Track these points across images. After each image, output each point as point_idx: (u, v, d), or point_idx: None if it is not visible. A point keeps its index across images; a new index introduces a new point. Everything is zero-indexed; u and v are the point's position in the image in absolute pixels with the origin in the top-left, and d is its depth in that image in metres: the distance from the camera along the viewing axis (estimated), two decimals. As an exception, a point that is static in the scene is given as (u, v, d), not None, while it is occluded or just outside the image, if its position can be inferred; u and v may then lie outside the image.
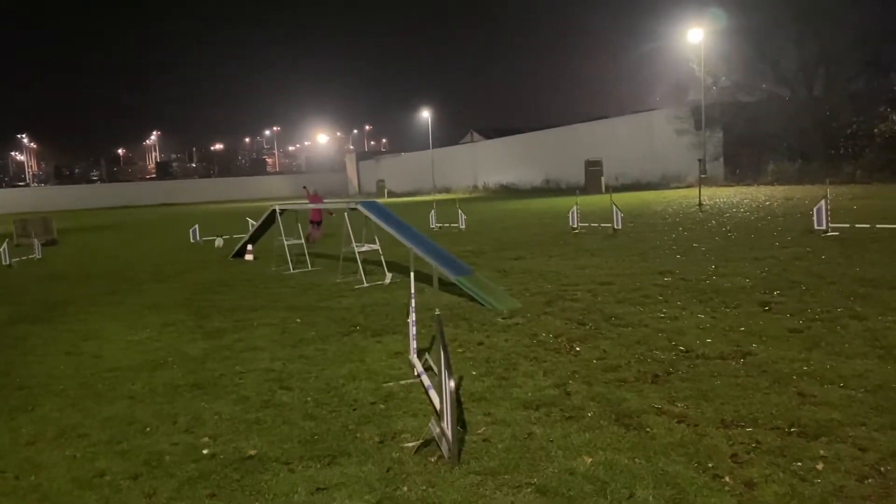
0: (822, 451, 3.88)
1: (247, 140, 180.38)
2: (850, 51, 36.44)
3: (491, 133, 77.81)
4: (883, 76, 35.64)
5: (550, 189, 54.72)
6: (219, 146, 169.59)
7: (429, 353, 6.39)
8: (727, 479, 3.61)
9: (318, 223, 18.73)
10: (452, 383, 4.06)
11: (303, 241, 14.19)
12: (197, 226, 23.31)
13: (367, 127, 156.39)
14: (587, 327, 7.32)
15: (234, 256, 16.50)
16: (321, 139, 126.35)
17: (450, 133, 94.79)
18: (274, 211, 14.76)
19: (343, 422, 4.91)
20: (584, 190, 43.96)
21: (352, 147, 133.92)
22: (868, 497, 3.35)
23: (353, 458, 4.26)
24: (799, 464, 3.74)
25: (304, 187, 21.10)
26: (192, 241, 22.51)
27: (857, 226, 14.53)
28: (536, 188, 57.66)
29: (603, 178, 47.92)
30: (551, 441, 4.29)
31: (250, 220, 19.17)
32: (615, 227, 17.41)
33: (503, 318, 7.99)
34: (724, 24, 38.28)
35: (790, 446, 3.97)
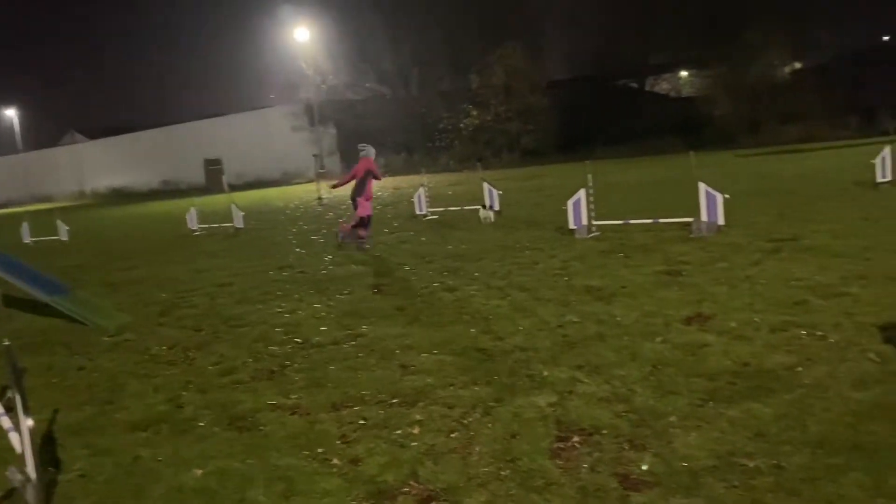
0: (418, 416, 4.26)
1: None
2: (437, 53, 41.10)
3: (98, 133, 70.38)
4: (464, 77, 40.93)
5: (169, 191, 51.72)
6: None
7: (10, 391, 5.49)
8: (335, 460, 3.75)
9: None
10: (30, 421, 3.55)
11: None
12: None
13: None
14: (204, 333, 7.03)
15: None
16: None
17: (46, 134, 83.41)
18: None
19: None
20: (207, 190, 42.55)
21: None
22: (454, 449, 3.76)
23: None
24: (399, 431, 4.05)
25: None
26: None
27: (450, 209, 16.44)
28: (154, 191, 54.04)
29: (224, 177, 46.85)
30: (160, 461, 4.01)
31: None
32: (236, 226, 17.12)
33: (109, 337, 7.26)
34: (286, 26, 40.18)
35: (392, 417, 4.29)
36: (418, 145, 41.53)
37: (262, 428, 4.33)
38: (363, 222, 11.97)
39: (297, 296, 8.42)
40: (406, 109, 41.87)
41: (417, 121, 41.38)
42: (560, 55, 49.47)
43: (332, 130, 44.83)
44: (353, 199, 12.03)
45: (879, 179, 12.92)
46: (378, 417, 4.30)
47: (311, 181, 38.60)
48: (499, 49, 38.74)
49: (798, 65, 42.08)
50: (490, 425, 4.02)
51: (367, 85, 44.72)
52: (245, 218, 17.68)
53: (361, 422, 4.26)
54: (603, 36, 45.65)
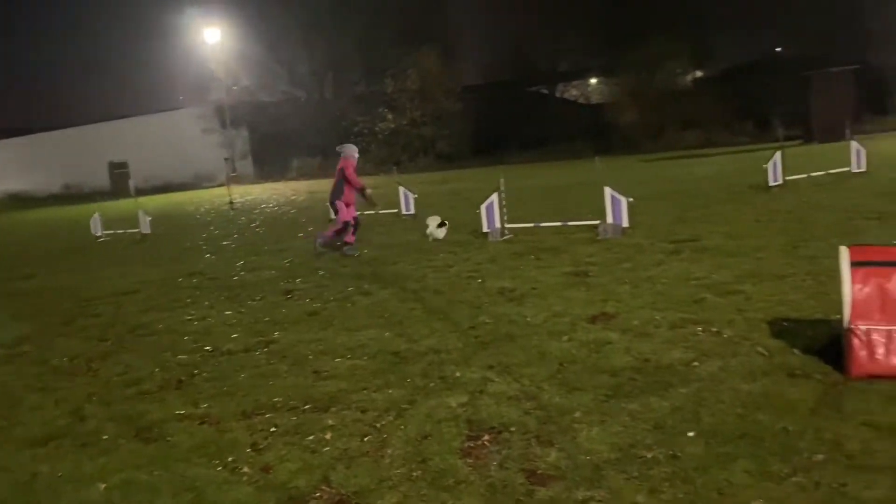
0: (331, 421, 4.26)
1: None
2: (351, 57, 40.90)
3: (-9, 134, 66.29)
4: (379, 81, 40.91)
5: (72, 196, 49.22)
6: None
7: None
8: (246, 468, 3.72)
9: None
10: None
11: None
12: None
13: None
14: (108, 343, 6.78)
15: None
16: None
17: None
18: None
19: None
20: (112, 194, 40.88)
21: None
22: (366, 453, 3.79)
23: None
24: (311, 437, 4.05)
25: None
26: None
27: (365, 213, 16.33)
28: (55, 195, 51.29)
29: (131, 181, 45.05)
30: (60, 476, 3.86)
31: None
32: (143, 232, 16.53)
33: (6, 349, 6.91)
34: (195, 27, 39.26)
35: (304, 423, 4.28)
36: (334, 149, 41.20)
37: (169, 438, 4.23)
38: (347, 227, 10.78)
39: (207, 303, 8.24)
40: (321, 112, 41.46)
41: (333, 124, 41.02)
42: (474, 61, 50.19)
43: (245, 133, 43.89)
44: (332, 202, 10.94)
45: (771, 183, 13.72)
46: (290, 424, 4.28)
47: (222, 185, 37.68)
48: (413, 54, 38.94)
49: (699, 73, 44.12)
50: (402, 427, 4.07)
51: (280, 88, 44.06)
52: (153, 223, 17.09)
53: (273, 429, 4.23)
54: (515, 43, 46.59)
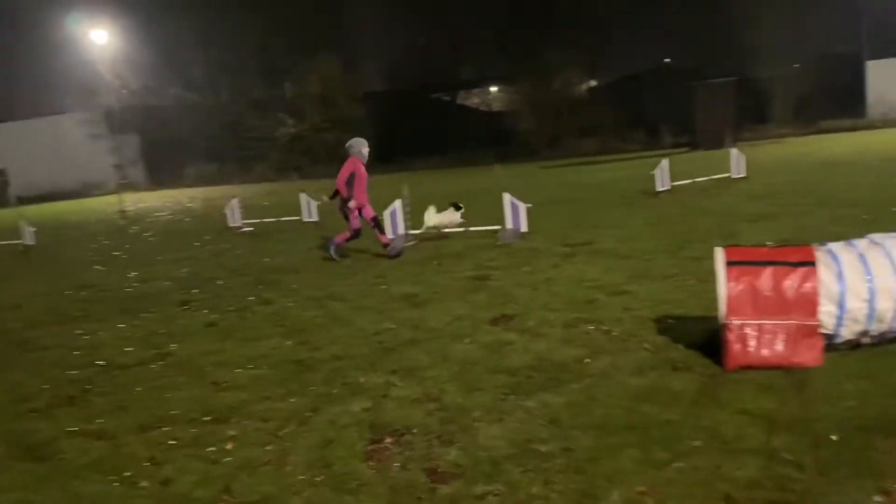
0: (231, 432, 4.22)
1: None
2: (249, 61, 40.04)
3: None
4: (278, 85, 40.25)
5: (-58, 205, 45.82)
6: None
7: None
8: (144, 483, 3.64)
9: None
10: None
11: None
12: None
13: None
14: (-10, 361, 6.43)
15: None
16: None
17: None
18: None
19: None
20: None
21: None
22: (269, 461, 3.79)
23: None
24: (212, 448, 4.00)
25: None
26: None
27: (265, 220, 16.10)
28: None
29: (11, 189, 42.34)
30: (-61, 503, 3.66)
31: None
32: (25, 243, 15.61)
33: None
34: (81, 27, 37.64)
35: (204, 434, 4.22)
36: (231, 154, 40.14)
37: (62, 456, 4.08)
38: (383, 225, 10.18)
39: (98, 316, 7.92)
40: (216, 117, 40.32)
41: (229, 129, 39.98)
42: (376, 67, 50.13)
43: (135, 138, 42.13)
44: (342, 209, 10.00)
45: (659, 188, 14.45)
46: (189, 436, 4.21)
47: (112, 193, 36.02)
48: (313, 58, 38.54)
49: (593, 82, 45.78)
50: (305, 435, 4.08)
51: (171, 91, 42.52)
52: (37, 234, 16.16)
53: (171, 442, 4.15)
54: (416, 50, 46.95)
